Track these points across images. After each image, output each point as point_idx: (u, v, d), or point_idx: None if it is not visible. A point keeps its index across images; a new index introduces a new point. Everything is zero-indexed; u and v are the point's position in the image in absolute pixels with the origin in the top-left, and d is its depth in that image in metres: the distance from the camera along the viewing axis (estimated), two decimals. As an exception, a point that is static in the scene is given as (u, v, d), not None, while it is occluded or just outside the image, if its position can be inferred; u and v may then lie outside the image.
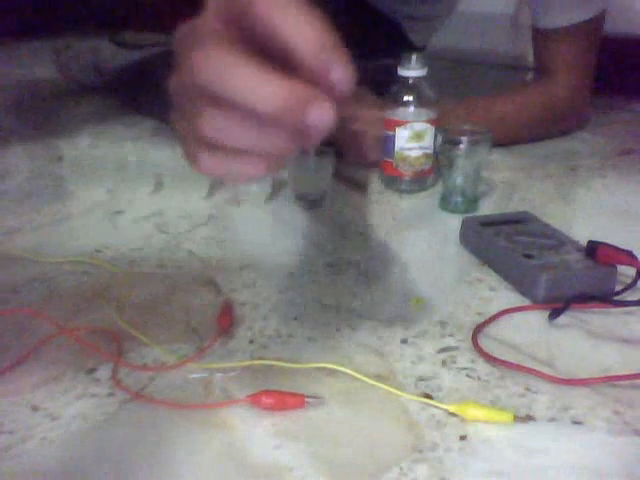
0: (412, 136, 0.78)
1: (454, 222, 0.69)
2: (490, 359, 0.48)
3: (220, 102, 0.30)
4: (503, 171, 0.88)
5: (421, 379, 0.46)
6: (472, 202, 0.75)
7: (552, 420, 0.42)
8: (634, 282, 0.55)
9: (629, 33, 1.30)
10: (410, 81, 0.78)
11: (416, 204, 0.78)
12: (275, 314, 0.54)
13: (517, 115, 0.94)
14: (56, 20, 1.83)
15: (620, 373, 0.46)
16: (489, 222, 0.66)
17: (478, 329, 0.52)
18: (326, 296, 0.57)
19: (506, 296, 0.57)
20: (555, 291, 0.55)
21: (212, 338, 0.50)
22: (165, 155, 0.93)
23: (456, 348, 0.50)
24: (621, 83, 1.26)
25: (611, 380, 0.46)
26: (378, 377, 0.46)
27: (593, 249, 0.57)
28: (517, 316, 0.54)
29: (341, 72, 0.29)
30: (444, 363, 0.48)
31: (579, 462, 0.39)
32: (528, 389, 0.45)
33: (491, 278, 0.61)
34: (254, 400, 0.43)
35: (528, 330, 0.52)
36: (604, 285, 0.56)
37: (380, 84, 0.80)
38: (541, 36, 0.95)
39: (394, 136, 0.78)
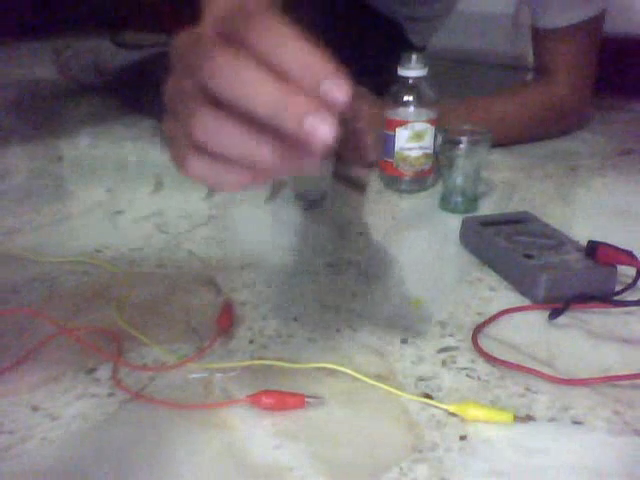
0: (412, 136, 0.78)
1: (454, 222, 0.69)
2: (490, 359, 0.48)
3: (215, 106, 0.30)
4: (503, 171, 0.88)
5: (421, 379, 0.46)
6: (472, 202, 0.75)
7: (552, 420, 0.42)
8: (634, 282, 0.55)
9: (629, 33, 1.30)
10: (410, 81, 0.78)
11: (416, 204, 0.78)
12: (275, 314, 0.54)
13: (517, 115, 0.94)
14: (56, 20, 1.83)
15: (620, 373, 0.46)
16: (489, 222, 0.66)
17: (478, 329, 0.52)
18: (326, 296, 0.57)
19: (506, 296, 0.57)
20: (555, 291, 0.55)
21: (212, 338, 0.50)
22: (165, 155, 0.93)
23: (456, 348, 0.50)
24: (621, 83, 1.26)
25: (611, 380, 0.46)
26: (378, 377, 0.46)
27: (593, 249, 0.57)
28: (517, 316, 0.54)
29: (340, 95, 0.29)
30: (444, 363, 0.48)
31: (579, 462, 0.39)
32: (528, 389, 0.45)
33: (491, 278, 0.61)
34: (254, 400, 0.43)
35: (528, 330, 0.52)
36: (604, 285, 0.56)
37: (380, 84, 0.80)
38: (541, 36, 0.95)
39: (394, 136, 0.78)
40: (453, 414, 0.43)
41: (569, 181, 0.85)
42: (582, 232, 0.66)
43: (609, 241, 0.57)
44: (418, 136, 0.78)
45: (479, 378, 0.47)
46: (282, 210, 0.75)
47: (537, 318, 0.54)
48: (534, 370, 0.47)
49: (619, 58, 1.26)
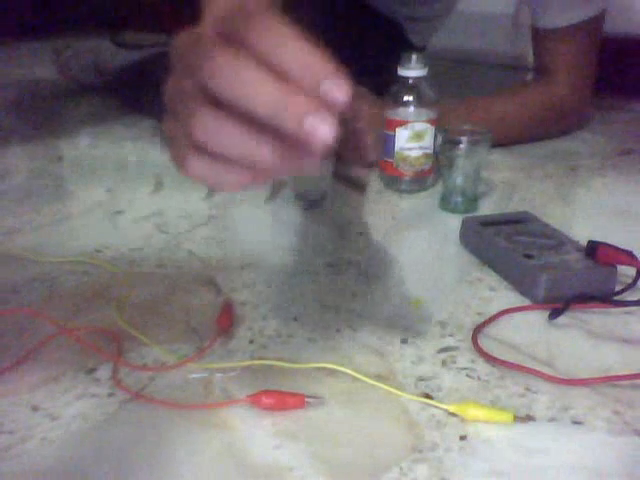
0: (412, 136, 0.78)
1: (454, 222, 0.69)
2: (490, 359, 0.48)
3: (216, 106, 0.30)
4: (503, 171, 0.88)
5: (421, 379, 0.46)
6: (472, 202, 0.75)
7: (552, 420, 0.42)
8: (634, 282, 0.55)
9: (629, 33, 1.30)
10: (410, 81, 0.78)
11: (416, 204, 0.78)
12: (275, 314, 0.54)
13: (517, 115, 0.94)
14: (56, 20, 1.83)
15: (620, 373, 0.46)
16: (489, 222, 0.66)
17: (478, 329, 0.52)
18: (326, 296, 0.57)
19: (506, 296, 0.57)
20: (555, 291, 0.55)
21: (212, 338, 0.50)
22: (165, 155, 0.93)
23: (456, 348, 0.50)
24: (621, 83, 1.26)
25: (611, 380, 0.46)
26: (378, 377, 0.46)
27: (593, 249, 0.57)
28: (517, 316, 0.54)
29: (340, 95, 0.29)
30: (444, 363, 0.48)
31: (579, 462, 0.39)
32: (528, 389, 0.45)
33: (491, 278, 0.61)
34: (254, 400, 0.43)
35: (528, 330, 0.52)
36: (604, 285, 0.56)
37: (380, 84, 0.80)
38: (541, 36, 0.95)
39: (394, 136, 0.78)
40: (453, 414, 0.43)
41: (569, 181, 0.85)
42: (582, 232, 0.66)
43: (609, 241, 0.57)
44: (418, 136, 0.78)
45: (479, 378, 0.47)
46: (282, 210, 0.75)
47: (537, 318, 0.54)
48: (534, 370, 0.47)
49: (619, 58, 1.26)
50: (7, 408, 0.43)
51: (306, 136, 0.28)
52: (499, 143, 0.89)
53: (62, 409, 0.43)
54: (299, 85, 0.29)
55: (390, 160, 0.79)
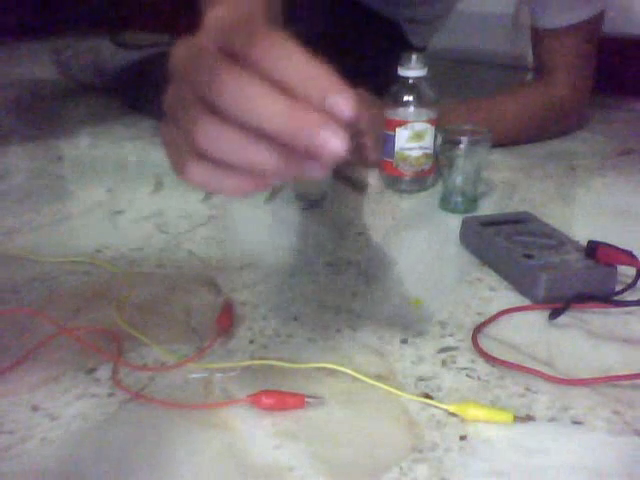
0: (412, 136, 0.78)
1: (454, 222, 0.69)
2: (490, 359, 0.48)
3: (218, 113, 0.30)
4: (503, 171, 0.88)
5: (421, 379, 0.46)
6: (472, 202, 0.75)
7: (552, 420, 0.42)
8: (634, 282, 0.55)
9: (629, 33, 1.30)
10: (410, 81, 0.78)
11: (416, 204, 0.78)
12: (275, 314, 0.54)
13: (517, 115, 0.94)
14: (56, 20, 1.83)
15: (620, 373, 0.46)
16: (489, 222, 0.66)
17: (478, 329, 0.52)
18: (326, 296, 0.57)
19: (506, 296, 0.57)
20: (555, 291, 0.55)
21: (212, 338, 0.50)
22: (164, 154, 0.93)
23: (456, 348, 0.50)
24: (621, 83, 1.26)
25: (611, 380, 0.46)
26: (378, 377, 0.46)
27: (593, 249, 0.57)
28: (517, 316, 0.54)
29: (346, 109, 0.29)
30: (444, 363, 0.48)
31: (579, 462, 0.39)
32: (528, 389, 0.45)
33: (491, 278, 0.61)
34: (254, 400, 0.43)
35: (528, 330, 0.52)
36: (604, 285, 0.56)
37: (380, 84, 0.80)
38: (540, 36, 0.95)
39: (394, 136, 0.78)
40: (453, 414, 0.43)
41: (569, 181, 0.85)
42: (582, 232, 0.66)
43: (609, 241, 0.57)
44: (418, 136, 0.78)
45: (479, 378, 0.47)
46: (282, 210, 0.75)
47: (537, 318, 0.54)
48: (534, 370, 0.47)
49: (619, 58, 1.26)
50: (7, 408, 0.43)
51: (318, 149, 0.28)
52: (499, 143, 0.89)
53: (62, 409, 0.43)
54: (306, 100, 0.29)
55: (390, 160, 0.79)
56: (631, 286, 0.55)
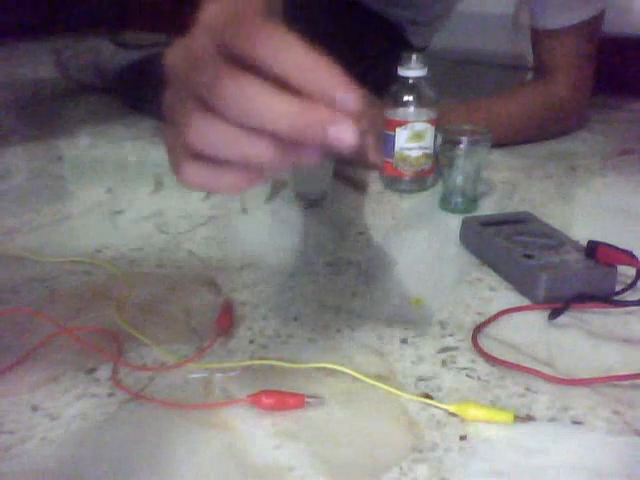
0: (412, 136, 0.78)
1: (454, 222, 0.69)
2: (490, 359, 0.48)
3: (212, 111, 0.30)
4: (503, 171, 0.88)
5: (421, 379, 0.46)
6: (472, 202, 0.75)
7: (552, 420, 0.42)
8: (634, 282, 0.55)
9: (629, 33, 1.30)
10: (410, 81, 0.78)
11: (416, 204, 0.78)
12: (275, 314, 0.54)
13: (517, 115, 0.94)
14: (56, 20, 1.83)
15: (620, 373, 0.46)
16: (489, 222, 0.66)
17: (478, 329, 0.52)
18: (326, 296, 0.57)
19: (506, 296, 0.57)
20: (555, 291, 0.55)
21: (212, 338, 0.50)
22: (165, 155, 0.93)
23: (456, 348, 0.50)
24: (621, 83, 1.26)
25: (611, 380, 0.46)
26: (378, 377, 0.46)
27: (593, 249, 0.57)
28: (517, 316, 0.54)
29: (352, 104, 0.29)
30: (444, 363, 0.48)
31: (579, 462, 0.39)
32: (528, 389, 0.45)
33: (491, 278, 0.61)
34: (254, 400, 0.43)
35: (528, 330, 0.52)
36: (604, 285, 0.56)
37: (380, 84, 0.80)
38: (540, 36, 0.95)
39: (394, 136, 0.78)
40: (453, 414, 0.43)
41: (569, 181, 0.85)
42: (582, 232, 0.66)
43: (609, 241, 0.57)
44: (418, 136, 0.78)
45: (479, 378, 0.47)
46: (282, 210, 0.75)
47: (537, 318, 0.54)
48: (534, 370, 0.47)
49: (619, 58, 1.26)
50: (7, 408, 0.43)
51: (330, 142, 0.28)
52: (499, 143, 0.89)
53: (62, 409, 0.43)
54: (310, 95, 0.29)
55: (390, 160, 0.79)
56: (631, 286, 0.55)
